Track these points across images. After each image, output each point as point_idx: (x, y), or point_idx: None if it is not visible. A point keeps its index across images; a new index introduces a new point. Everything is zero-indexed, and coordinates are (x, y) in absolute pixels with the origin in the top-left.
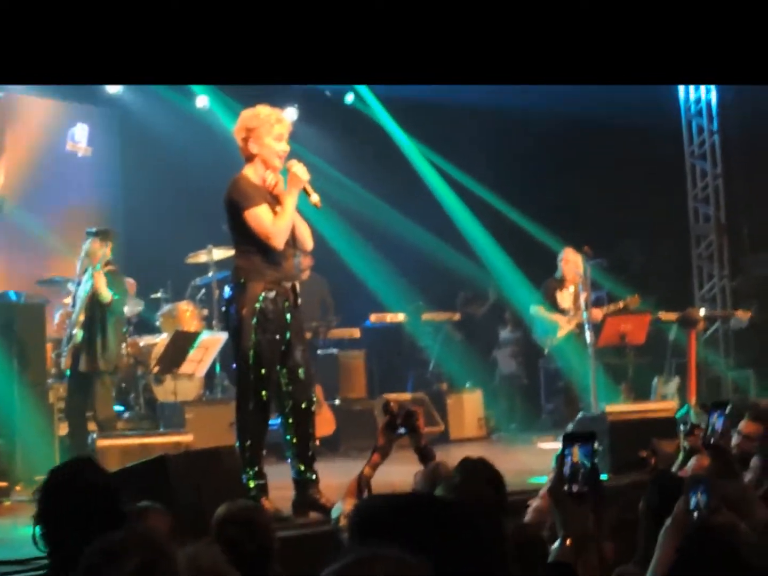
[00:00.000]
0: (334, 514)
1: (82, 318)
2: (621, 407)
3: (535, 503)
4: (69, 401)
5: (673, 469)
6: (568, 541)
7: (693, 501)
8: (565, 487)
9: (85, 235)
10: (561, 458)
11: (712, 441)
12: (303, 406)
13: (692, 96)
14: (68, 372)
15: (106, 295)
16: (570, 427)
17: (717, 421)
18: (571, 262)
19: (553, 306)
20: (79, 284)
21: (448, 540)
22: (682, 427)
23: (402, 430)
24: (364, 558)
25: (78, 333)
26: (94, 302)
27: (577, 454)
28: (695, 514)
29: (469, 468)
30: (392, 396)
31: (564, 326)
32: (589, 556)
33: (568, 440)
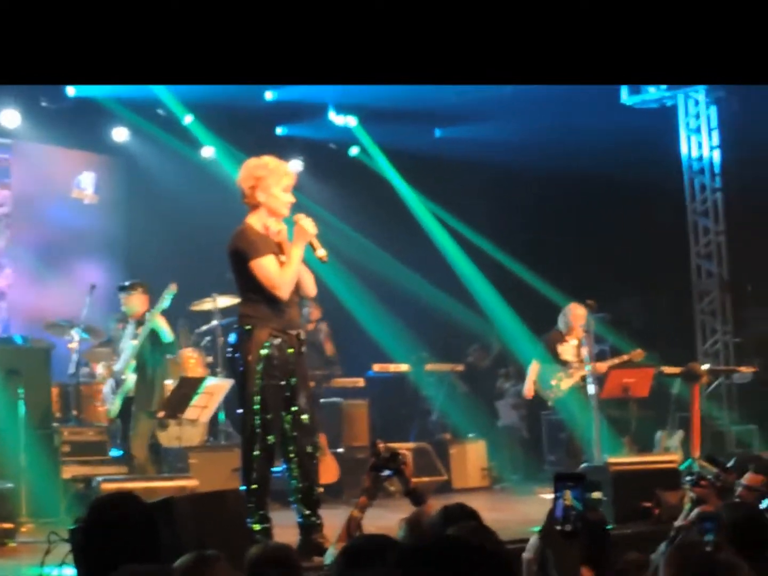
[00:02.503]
0: (327, 559)
1: (133, 363)
2: (624, 459)
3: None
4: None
5: (679, 519)
6: None
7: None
8: (558, 527)
9: (117, 290)
10: (553, 500)
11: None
12: (308, 450)
13: (694, 154)
14: (115, 415)
15: (171, 334)
16: None
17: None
18: (576, 316)
19: (555, 358)
20: (108, 339)
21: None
22: (688, 478)
23: (388, 472)
24: None
25: (129, 379)
26: (146, 347)
27: (569, 497)
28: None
29: (450, 514)
30: (396, 445)
31: (566, 379)
32: None
33: (559, 480)
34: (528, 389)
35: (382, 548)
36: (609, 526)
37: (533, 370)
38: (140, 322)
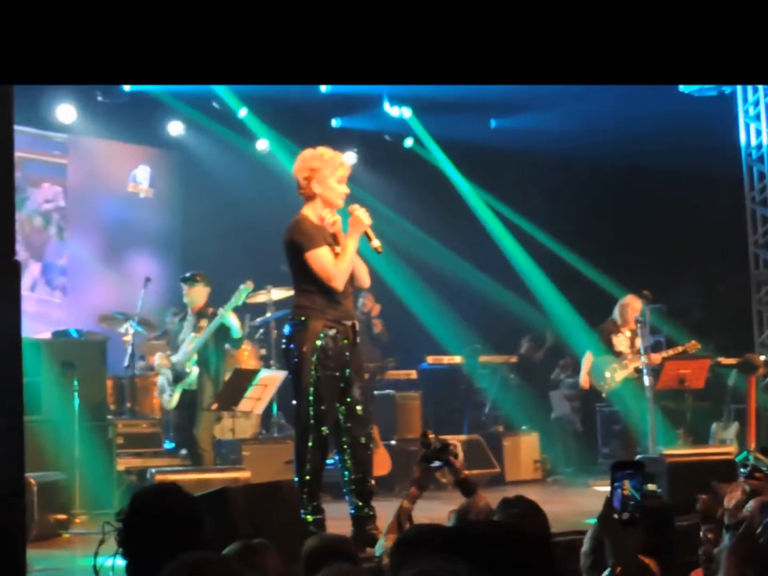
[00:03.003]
0: (377, 551)
1: (195, 356)
2: (679, 451)
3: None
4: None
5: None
6: (618, 569)
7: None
8: (615, 516)
9: (180, 283)
10: (611, 489)
11: None
12: (362, 441)
13: (753, 142)
14: (173, 407)
15: (241, 330)
16: None
17: None
18: (633, 308)
19: (609, 349)
20: (164, 332)
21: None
22: (742, 470)
23: (437, 463)
24: (428, 571)
25: (192, 371)
26: (211, 341)
27: (627, 486)
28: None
29: (509, 506)
30: (447, 437)
31: (620, 370)
32: None
33: (618, 469)
34: (584, 380)
35: (434, 537)
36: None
37: (587, 361)
38: (201, 314)
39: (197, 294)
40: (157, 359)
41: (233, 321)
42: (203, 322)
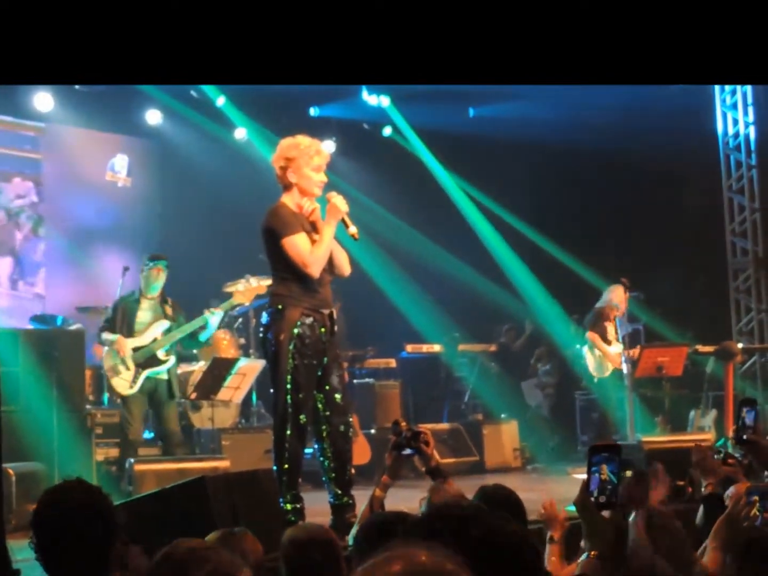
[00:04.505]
0: (350, 540)
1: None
2: (658, 438)
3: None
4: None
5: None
6: (592, 554)
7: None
8: (592, 499)
9: (148, 264)
10: (588, 472)
11: (744, 436)
12: (340, 429)
13: (730, 130)
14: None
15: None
16: None
17: (747, 417)
18: (620, 298)
19: (603, 335)
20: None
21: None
22: (716, 457)
23: (409, 451)
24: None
25: (169, 359)
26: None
27: (605, 470)
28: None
29: (487, 495)
30: (428, 426)
31: (615, 360)
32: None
33: (594, 452)
34: (614, 360)
35: (397, 523)
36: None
37: (598, 343)
38: (164, 300)
39: (164, 278)
40: (111, 337)
41: (214, 325)
42: (169, 309)
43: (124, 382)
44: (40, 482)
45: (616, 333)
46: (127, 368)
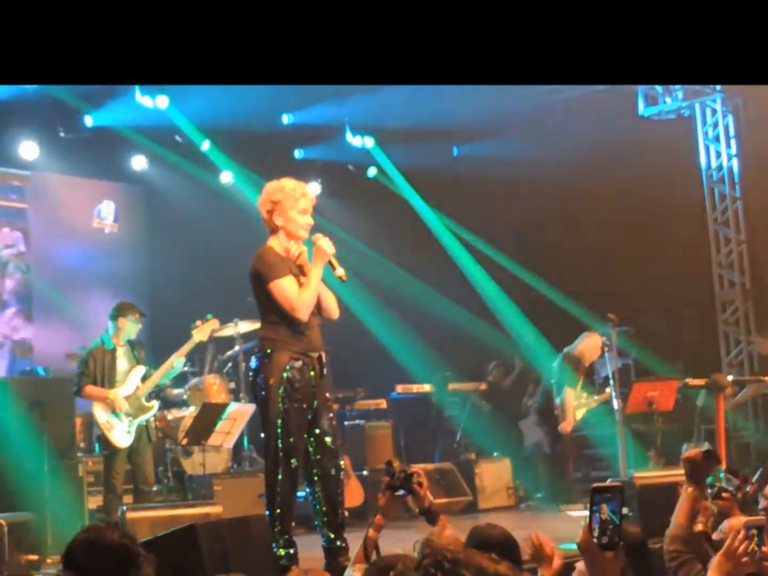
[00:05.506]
0: None
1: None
2: (650, 473)
3: (578, 565)
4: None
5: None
6: None
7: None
8: (595, 540)
9: (115, 316)
10: (590, 513)
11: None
12: (332, 473)
13: (713, 163)
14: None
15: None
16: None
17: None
18: (593, 346)
19: (575, 380)
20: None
21: None
22: (709, 491)
23: (402, 492)
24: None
25: (155, 406)
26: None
27: (605, 510)
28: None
29: (481, 536)
30: (419, 466)
31: (580, 408)
32: None
33: (596, 492)
34: (569, 424)
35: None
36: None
37: (571, 402)
38: (133, 344)
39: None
40: (102, 392)
41: (178, 365)
42: (140, 353)
43: (122, 434)
44: (31, 532)
45: (589, 378)
46: (120, 420)
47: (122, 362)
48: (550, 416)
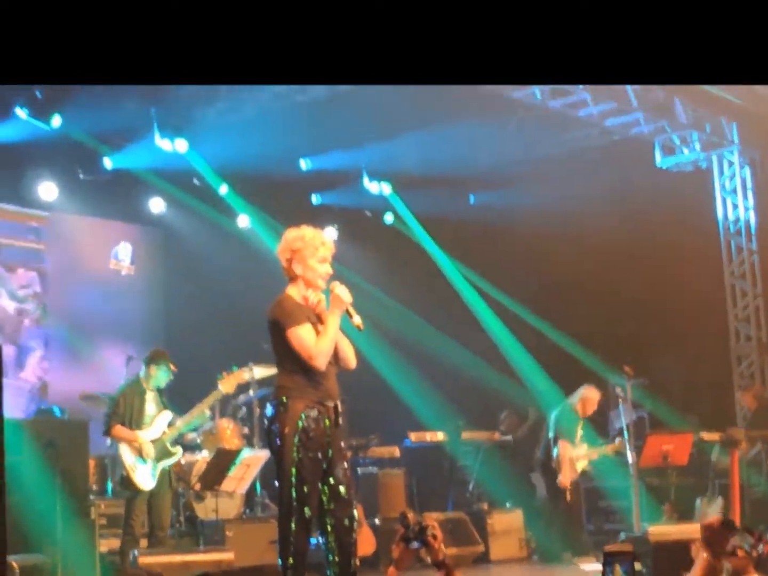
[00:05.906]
0: None
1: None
2: (664, 528)
3: None
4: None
5: None
6: None
7: None
8: None
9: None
10: (603, 573)
11: None
12: (345, 523)
13: (731, 216)
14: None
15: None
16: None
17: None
18: (590, 400)
19: (570, 438)
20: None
21: None
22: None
23: (416, 544)
24: None
25: (179, 451)
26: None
27: (618, 571)
28: None
29: None
30: (433, 515)
31: (584, 456)
32: None
33: (609, 556)
34: (565, 478)
35: None
36: None
37: (567, 457)
38: (160, 390)
39: (166, 377)
40: (131, 435)
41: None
42: (165, 400)
43: (146, 477)
44: (43, 574)
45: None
46: (145, 463)
47: (150, 406)
48: (550, 470)
